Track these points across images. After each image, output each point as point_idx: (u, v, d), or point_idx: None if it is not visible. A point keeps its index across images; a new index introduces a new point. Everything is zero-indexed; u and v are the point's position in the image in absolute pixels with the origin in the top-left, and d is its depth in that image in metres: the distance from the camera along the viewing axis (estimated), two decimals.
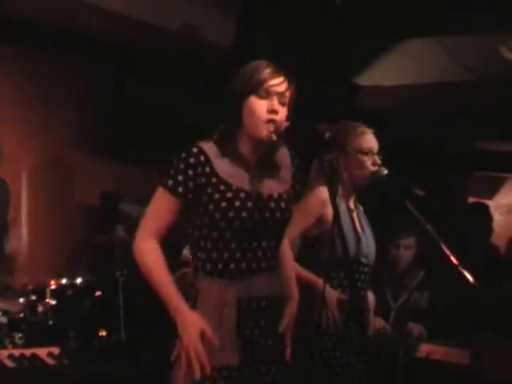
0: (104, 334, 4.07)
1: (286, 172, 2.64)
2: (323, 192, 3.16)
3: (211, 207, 2.44)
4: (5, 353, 2.21)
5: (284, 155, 2.65)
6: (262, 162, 2.58)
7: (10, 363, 2.14)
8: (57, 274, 4.32)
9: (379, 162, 3.31)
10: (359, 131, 3.37)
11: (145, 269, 2.51)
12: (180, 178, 2.46)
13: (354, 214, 3.38)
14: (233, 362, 2.45)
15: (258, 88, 2.47)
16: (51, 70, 5.77)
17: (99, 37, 5.39)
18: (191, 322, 2.40)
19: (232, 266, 2.47)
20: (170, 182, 2.46)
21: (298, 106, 2.57)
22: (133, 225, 4.68)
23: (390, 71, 5.66)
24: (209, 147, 2.52)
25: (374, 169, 3.30)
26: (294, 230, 2.95)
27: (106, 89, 5.93)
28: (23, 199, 4.87)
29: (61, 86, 5.85)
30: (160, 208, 2.52)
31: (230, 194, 2.45)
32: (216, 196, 2.45)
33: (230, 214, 2.43)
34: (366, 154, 3.31)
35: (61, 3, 4.74)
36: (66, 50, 5.56)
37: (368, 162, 3.31)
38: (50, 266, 5.29)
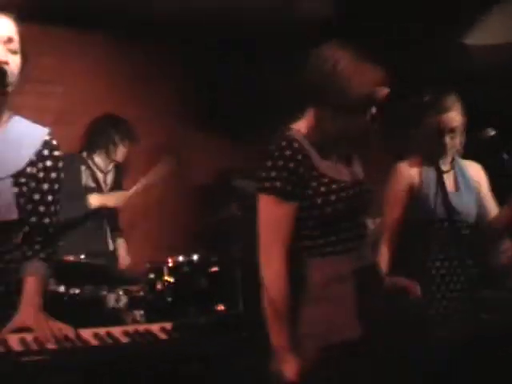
0: (222, 308, 4.13)
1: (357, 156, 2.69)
2: (402, 168, 3.28)
3: (319, 201, 2.45)
4: (119, 329, 2.28)
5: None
6: (342, 148, 2.60)
7: (124, 339, 2.20)
8: (174, 251, 4.40)
9: (457, 144, 3.32)
10: (444, 107, 3.35)
11: (270, 298, 2.47)
12: (284, 174, 2.40)
13: (447, 175, 3.37)
14: (354, 335, 2.45)
15: None
16: (157, 56, 5.92)
17: (197, 17, 5.47)
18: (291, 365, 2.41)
19: (339, 247, 2.49)
20: (279, 184, 2.40)
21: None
22: (247, 200, 4.75)
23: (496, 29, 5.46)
24: (298, 134, 2.51)
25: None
26: (391, 216, 3.08)
27: (211, 67, 6.00)
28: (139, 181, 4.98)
29: (166, 70, 5.98)
30: (277, 218, 2.44)
31: (334, 187, 2.47)
32: (322, 189, 2.45)
33: (339, 206, 2.46)
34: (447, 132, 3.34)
35: None
36: (165, 36, 5.67)
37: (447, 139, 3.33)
38: (167, 244, 5.43)
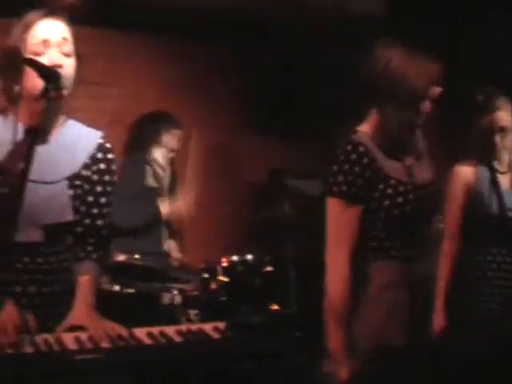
0: (276, 307, 4.14)
1: (426, 156, 2.67)
2: (459, 169, 3.28)
3: (386, 203, 2.46)
4: (172, 328, 2.30)
5: (419, 139, 2.65)
6: (409, 151, 2.58)
7: (177, 338, 2.22)
8: (228, 251, 4.42)
9: (508, 144, 3.28)
10: (494, 106, 3.33)
11: (331, 299, 2.49)
12: (350, 178, 2.44)
13: (504, 176, 3.36)
14: (401, 342, 2.48)
15: None
16: (210, 54, 5.95)
17: (262, 18, 5.48)
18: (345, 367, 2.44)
19: (404, 252, 2.50)
20: (345, 188, 2.44)
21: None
22: (300, 200, 4.74)
23: None
24: (364, 137, 2.52)
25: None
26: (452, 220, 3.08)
27: (261, 67, 6.01)
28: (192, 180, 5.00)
29: (216, 70, 6.01)
30: (343, 221, 2.48)
31: (401, 189, 2.48)
32: (389, 192, 2.47)
33: (406, 208, 2.46)
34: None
35: None
36: (218, 34, 5.69)
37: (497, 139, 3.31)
38: (221, 243, 5.45)
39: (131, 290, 3.99)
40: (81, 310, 2.35)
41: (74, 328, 2.25)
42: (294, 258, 4.70)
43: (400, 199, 2.46)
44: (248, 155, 6.04)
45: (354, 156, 2.44)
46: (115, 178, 2.57)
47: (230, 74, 6.09)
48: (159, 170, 4.88)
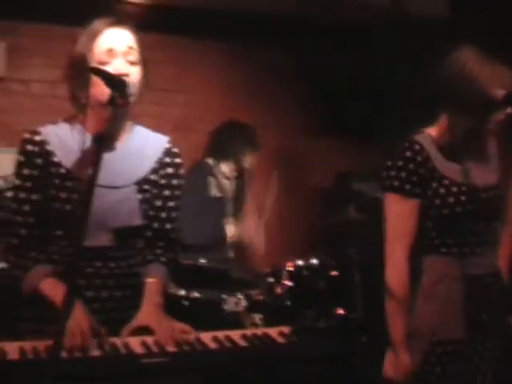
0: (341, 312, 4.12)
1: (495, 159, 2.66)
2: None
3: (438, 202, 2.50)
4: (238, 333, 2.31)
5: (491, 142, 2.63)
6: (473, 154, 2.57)
7: (242, 342, 2.23)
8: (293, 255, 4.41)
9: None
10: None
11: (392, 291, 2.55)
12: (403, 174, 2.50)
13: None
14: (457, 336, 2.51)
15: None
16: (273, 60, 5.97)
17: (309, 21, 5.48)
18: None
19: (456, 249, 2.54)
20: (397, 184, 2.50)
21: None
22: (366, 203, 4.70)
23: None
24: (424, 137, 2.53)
25: None
26: None
27: (324, 70, 6.00)
28: (258, 185, 5.01)
29: (284, 75, 6.02)
30: (398, 214, 2.53)
31: (455, 189, 2.51)
32: (442, 191, 2.50)
33: (457, 209, 2.49)
34: None
35: None
36: (281, 39, 5.71)
37: None
38: (286, 247, 5.45)
39: (197, 294, 4.03)
40: (148, 310, 2.37)
41: (141, 328, 2.28)
42: (360, 261, 4.67)
43: (451, 199, 2.50)
44: (314, 159, 6.03)
45: (408, 153, 2.51)
46: (183, 182, 2.60)
47: (296, 78, 6.10)
48: (225, 182, 4.89)
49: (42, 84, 5.38)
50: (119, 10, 5.15)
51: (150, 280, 2.47)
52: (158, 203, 2.53)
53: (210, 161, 4.86)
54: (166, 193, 2.54)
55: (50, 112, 5.09)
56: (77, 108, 2.40)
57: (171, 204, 2.56)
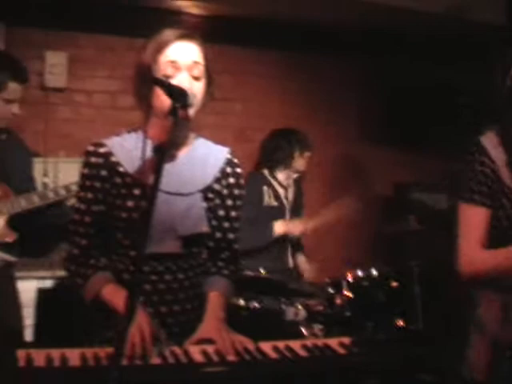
0: (401, 323, 4.07)
1: None
2: None
3: (499, 213, 2.44)
4: (298, 343, 2.29)
5: None
6: None
7: (303, 353, 2.22)
8: (353, 266, 4.38)
9: None
10: None
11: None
12: (474, 186, 2.45)
13: None
14: None
15: None
16: (330, 69, 5.96)
17: (369, 29, 5.46)
18: None
19: None
20: (468, 195, 2.46)
21: None
22: (425, 214, 4.64)
23: None
24: (491, 143, 2.49)
25: None
26: None
27: (382, 79, 5.97)
28: (317, 194, 5.01)
29: (341, 84, 6.01)
30: (474, 225, 2.48)
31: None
32: (504, 201, 2.44)
33: None
34: None
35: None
36: (339, 47, 5.70)
37: None
38: (346, 258, 5.42)
39: (256, 304, 4.02)
40: (210, 323, 2.37)
41: (203, 341, 2.28)
42: (420, 272, 4.61)
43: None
44: (373, 169, 6.00)
45: (477, 161, 2.45)
46: (244, 192, 2.61)
47: (354, 88, 6.08)
48: (280, 190, 4.90)
49: (103, 95, 5.47)
50: (180, 21, 5.21)
51: (212, 293, 2.48)
52: (221, 213, 2.54)
53: (265, 170, 4.90)
54: (229, 203, 2.55)
55: (110, 123, 5.17)
56: (142, 116, 2.41)
57: (233, 214, 2.57)
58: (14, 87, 3.43)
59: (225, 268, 2.57)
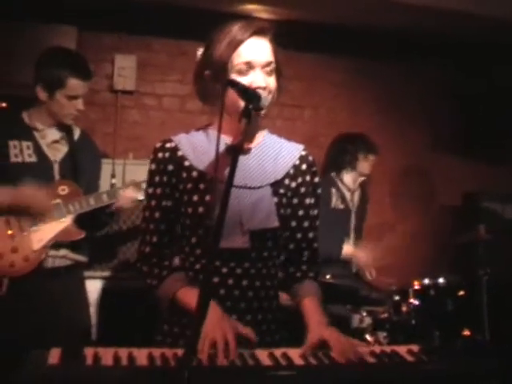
0: (468, 333, 4.01)
1: None
2: None
3: None
4: (366, 349, 2.27)
5: None
6: None
7: (370, 359, 2.19)
8: (420, 274, 4.34)
9: None
10: None
11: None
12: None
13: None
14: None
15: None
16: (401, 76, 5.92)
17: (437, 37, 5.42)
18: None
19: None
20: None
21: None
22: (494, 222, 4.57)
23: None
24: None
25: None
26: None
27: (451, 90, 5.91)
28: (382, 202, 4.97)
29: (411, 92, 5.96)
30: None
31: None
32: None
33: None
34: None
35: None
36: (416, 56, 5.67)
37: None
38: (414, 266, 5.36)
39: None
40: (321, 328, 2.30)
41: (319, 345, 2.22)
42: (488, 282, 4.53)
43: None
44: (442, 178, 5.93)
45: None
46: (320, 190, 2.57)
47: (425, 96, 6.02)
48: (346, 193, 4.89)
49: (172, 98, 5.52)
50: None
51: (308, 299, 2.42)
52: (301, 212, 2.49)
53: (333, 173, 4.89)
54: (307, 201, 2.50)
55: (179, 126, 5.18)
56: (213, 115, 2.40)
57: (312, 213, 2.51)
58: (74, 83, 3.50)
59: (310, 270, 2.52)
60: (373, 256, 4.71)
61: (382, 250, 4.72)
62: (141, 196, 3.73)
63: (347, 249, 4.67)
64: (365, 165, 4.92)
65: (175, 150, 2.42)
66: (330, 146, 5.05)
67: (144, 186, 3.68)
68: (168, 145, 2.43)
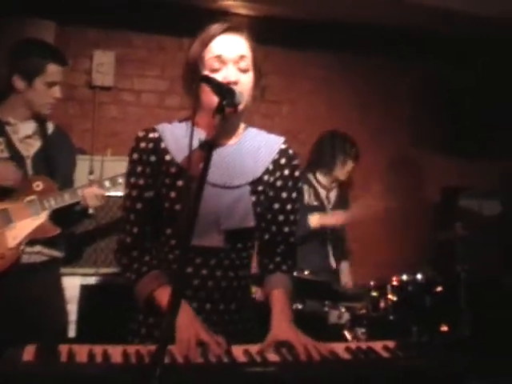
0: (445, 328, 4.02)
1: None
2: None
3: None
4: (341, 345, 2.26)
5: None
6: None
7: (346, 355, 2.19)
8: (398, 270, 4.35)
9: None
10: None
11: None
12: None
13: None
14: None
15: None
16: (381, 72, 5.92)
17: (427, 34, 5.42)
18: None
19: None
20: None
21: None
22: (473, 219, 4.59)
23: None
24: None
25: None
26: None
27: (436, 85, 5.92)
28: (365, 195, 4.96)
29: (392, 88, 5.97)
30: None
31: None
32: None
33: None
34: None
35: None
36: (399, 51, 5.67)
37: None
38: (392, 262, 5.38)
39: (299, 306, 4.01)
40: (285, 325, 2.29)
41: (279, 344, 2.23)
42: (466, 279, 4.55)
43: None
44: (421, 174, 5.94)
45: None
46: (300, 184, 2.56)
47: (407, 92, 6.03)
48: (321, 191, 4.86)
49: (151, 94, 5.50)
50: (228, 21, 5.21)
51: (277, 291, 2.41)
52: (276, 206, 2.48)
53: (307, 170, 4.85)
54: (284, 195, 2.49)
55: (157, 122, 5.09)
56: (191, 110, 2.39)
57: (289, 207, 2.51)
58: (53, 69, 3.52)
59: (283, 263, 2.50)
60: (340, 216, 4.73)
61: (352, 212, 4.73)
62: (110, 192, 3.77)
63: (314, 219, 4.64)
64: (342, 170, 4.88)
65: (159, 140, 2.41)
66: (314, 143, 5.00)
67: (120, 180, 3.69)
68: (151, 135, 2.42)
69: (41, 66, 3.47)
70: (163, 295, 2.27)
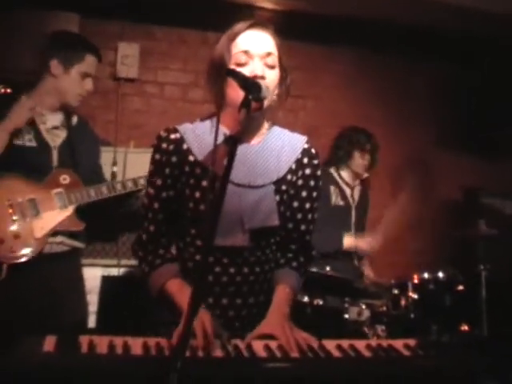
0: (466, 328, 4.00)
1: None
2: None
3: None
4: (362, 343, 2.26)
5: None
6: None
7: (366, 353, 2.18)
8: (419, 268, 4.33)
9: None
10: None
11: None
12: None
13: None
14: None
15: None
16: (404, 69, 5.89)
17: (445, 33, 5.39)
18: None
19: None
20: None
21: None
22: (495, 218, 4.56)
23: None
24: None
25: None
26: None
27: (455, 84, 5.89)
28: (384, 195, 4.95)
29: (414, 85, 5.94)
30: None
31: None
32: None
33: None
34: None
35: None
36: (419, 50, 5.64)
37: None
38: (413, 260, 5.35)
39: (320, 302, 4.00)
40: (274, 319, 2.33)
41: (265, 336, 2.25)
42: (488, 278, 4.52)
43: None
44: (442, 173, 5.90)
45: None
46: (320, 183, 2.56)
47: (428, 90, 6.00)
48: (346, 189, 4.85)
49: (174, 87, 5.50)
50: (253, 15, 5.21)
51: (280, 286, 2.44)
52: (295, 204, 2.50)
53: (332, 169, 4.84)
54: (303, 194, 2.50)
55: (180, 115, 5.21)
56: (216, 106, 2.39)
57: (307, 205, 2.52)
58: (90, 61, 3.60)
59: (294, 260, 2.52)
60: (374, 241, 4.68)
61: (381, 232, 4.68)
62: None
63: (348, 240, 4.63)
64: (359, 164, 4.86)
65: (181, 142, 2.42)
66: (335, 140, 4.99)
67: (142, 182, 3.71)
68: (173, 136, 2.43)
69: (80, 54, 3.54)
70: (174, 287, 2.33)
